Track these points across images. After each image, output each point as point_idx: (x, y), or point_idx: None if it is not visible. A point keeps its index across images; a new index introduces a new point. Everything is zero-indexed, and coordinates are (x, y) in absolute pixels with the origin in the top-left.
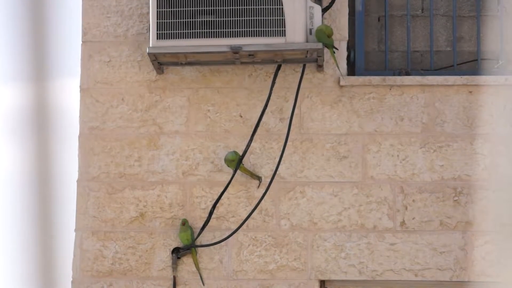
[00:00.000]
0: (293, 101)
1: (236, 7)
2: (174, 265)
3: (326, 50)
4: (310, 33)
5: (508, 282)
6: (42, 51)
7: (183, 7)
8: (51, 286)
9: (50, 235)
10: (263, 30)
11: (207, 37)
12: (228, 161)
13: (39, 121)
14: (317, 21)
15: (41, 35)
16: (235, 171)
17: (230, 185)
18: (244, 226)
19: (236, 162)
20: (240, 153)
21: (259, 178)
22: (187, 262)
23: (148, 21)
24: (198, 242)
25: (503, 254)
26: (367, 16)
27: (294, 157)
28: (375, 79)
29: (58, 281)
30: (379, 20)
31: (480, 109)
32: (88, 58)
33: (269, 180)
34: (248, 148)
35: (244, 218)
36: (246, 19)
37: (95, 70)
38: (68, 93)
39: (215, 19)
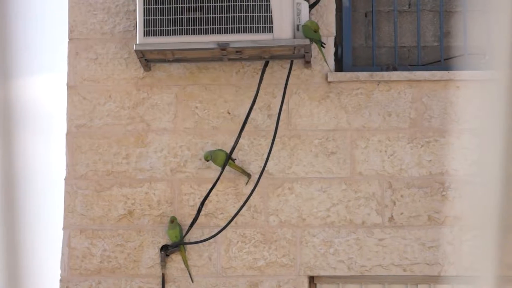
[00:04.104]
0: (281, 97)
1: (223, 4)
2: (163, 263)
3: (313, 46)
4: (298, 29)
5: (495, 276)
6: (13, 47)
7: (169, 4)
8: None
9: (19, 235)
10: (251, 27)
11: (194, 34)
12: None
13: (20, 119)
14: (304, 17)
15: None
16: (223, 168)
17: (218, 182)
18: (232, 223)
19: (222, 161)
20: (229, 150)
21: (248, 175)
22: (175, 259)
23: (135, 18)
24: (186, 239)
25: (491, 248)
26: (354, 12)
27: (283, 153)
28: (363, 75)
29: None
30: (366, 16)
31: (467, 104)
32: (74, 55)
33: (257, 176)
34: (236, 145)
35: (232, 214)
36: (233, 16)
37: (82, 67)
38: (53, 90)
39: (202, 16)
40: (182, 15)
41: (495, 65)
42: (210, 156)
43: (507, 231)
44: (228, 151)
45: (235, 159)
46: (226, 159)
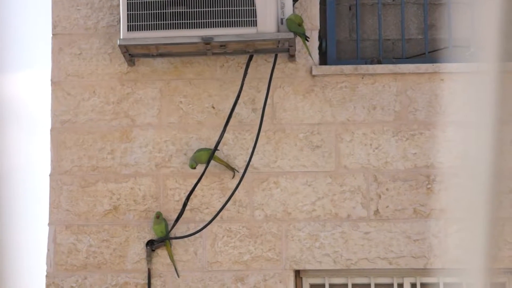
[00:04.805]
0: (266, 92)
1: None
2: (149, 258)
3: (297, 40)
4: (282, 23)
5: (480, 269)
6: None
7: None
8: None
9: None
10: (235, 21)
11: (178, 28)
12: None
13: (4, 115)
14: (288, 10)
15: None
16: (207, 164)
17: (203, 177)
18: (218, 218)
19: (206, 157)
20: (213, 145)
21: (233, 170)
22: (161, 254)
23: (119, 13)
24: (172, 234)
25: (476, 241)
26: (338, 5)
27: (267, 147)
28: (347, 68)
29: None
30: (350, 9)
31: (452, 97)
32: (58, 51)
33: (242, 171)
34: (221, 139)
35: (218, 209)
36: (217, 10)
37: (65, 63)
38: (37, 86)
39: (186, 10)
40: (166, 9)
41: (483, 58)
42: (194, 163)
43: (494, 224)
44: (213, 146)
45: (218, 150)
46: (210, 156)
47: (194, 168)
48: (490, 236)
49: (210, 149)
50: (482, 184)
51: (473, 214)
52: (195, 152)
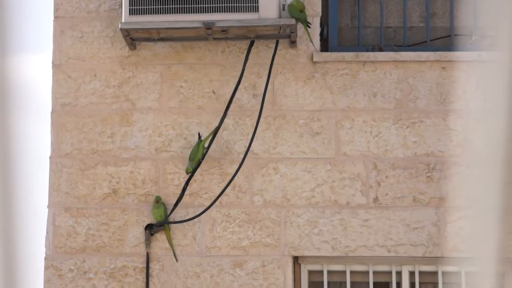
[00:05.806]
0: (266, 77)
1: None
2: (147, 242)
3: (299, 26)
4: (283, 9)
5: (480, 257)
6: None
7: None
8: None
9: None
10: (236, 6)
11: (179, 13)
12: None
13: (5, 98)
14: None
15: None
16: (205, 152)
17: (203, 162)
18: (217, 203)
19: (199, 155)
20: (213, 129)
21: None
22: (160, 238)
23: None
24: (171, 219)
25: (476, 230)
26: None
27: (267, 133)
28: (348, 55)
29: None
30: None
31: (453, 85)
32: (60, 33)
33: (242, 156)
34: (221, 125)
35: (217, 194)
36: None
37: (67, 45)
38: (38, 69)
39: None
40: None
41: (497, 46)
42: (190, 167)
43: (507, 213)
44: (213, 131)
45: (201, 136)
46: (209, 145)
47: (190, 172)
48: (503, 225)
49: (201, 141)
50: (497, 173)
51: (474, 203)
52: (189, 159)
